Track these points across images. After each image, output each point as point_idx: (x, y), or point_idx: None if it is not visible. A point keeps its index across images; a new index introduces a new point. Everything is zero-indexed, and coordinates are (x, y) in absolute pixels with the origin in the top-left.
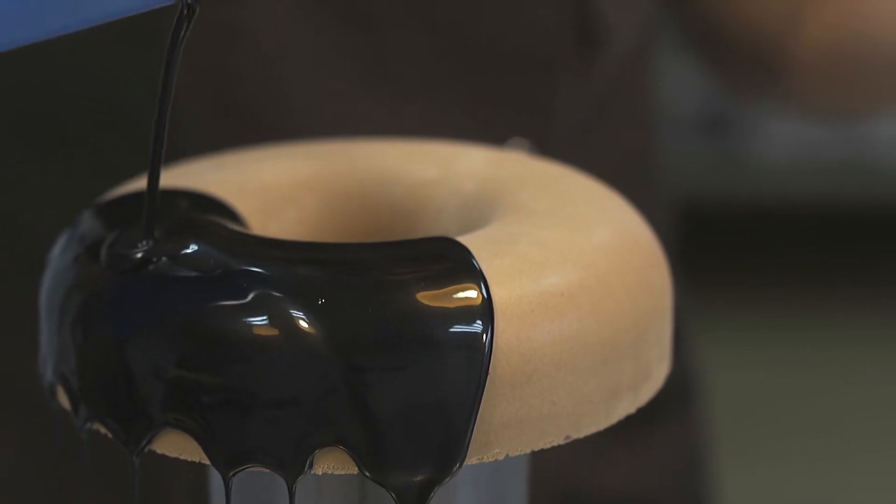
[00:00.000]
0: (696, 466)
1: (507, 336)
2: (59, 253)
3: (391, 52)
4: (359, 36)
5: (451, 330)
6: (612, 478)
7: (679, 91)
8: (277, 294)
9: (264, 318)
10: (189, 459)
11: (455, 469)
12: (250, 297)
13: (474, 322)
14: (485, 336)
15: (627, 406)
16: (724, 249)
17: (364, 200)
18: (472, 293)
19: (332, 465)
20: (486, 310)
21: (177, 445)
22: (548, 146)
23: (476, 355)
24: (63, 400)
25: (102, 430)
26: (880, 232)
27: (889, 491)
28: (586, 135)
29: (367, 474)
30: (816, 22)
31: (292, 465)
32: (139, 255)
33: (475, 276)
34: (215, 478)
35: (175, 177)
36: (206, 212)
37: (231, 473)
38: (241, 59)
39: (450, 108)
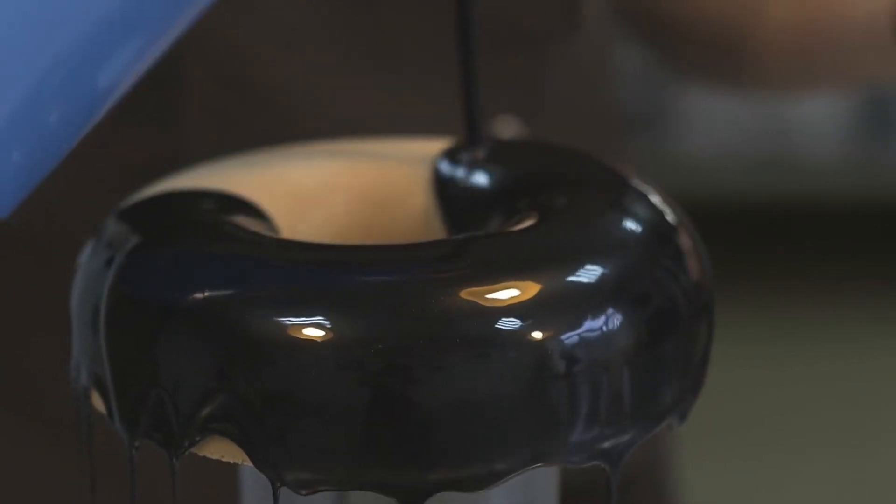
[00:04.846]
0: (663, 456)
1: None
2: (89, 258)
3: (384, 28)
4: (353, 11)
5: (496, 327)
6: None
7: None
8: (318, 298)
9: (305, 322)
10: (232, 461)
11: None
12: (290, 301)
13: (519, 320)
14: (530, 334)
15: None
16: None
17: (390, 200)
18: (515, 292)
19: None
20: (530, 308)
21: (218, 449)
22: (537, 124)
23: (522, 354)
24: (98, 404)
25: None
26: (810, 226)
27: (851, 483)
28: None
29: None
30: (780, 3)
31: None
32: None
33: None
34: (246, 473)
35: (202, 178)
36: (237, 214)
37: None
38: (241, 33)
39: (441, 84)
